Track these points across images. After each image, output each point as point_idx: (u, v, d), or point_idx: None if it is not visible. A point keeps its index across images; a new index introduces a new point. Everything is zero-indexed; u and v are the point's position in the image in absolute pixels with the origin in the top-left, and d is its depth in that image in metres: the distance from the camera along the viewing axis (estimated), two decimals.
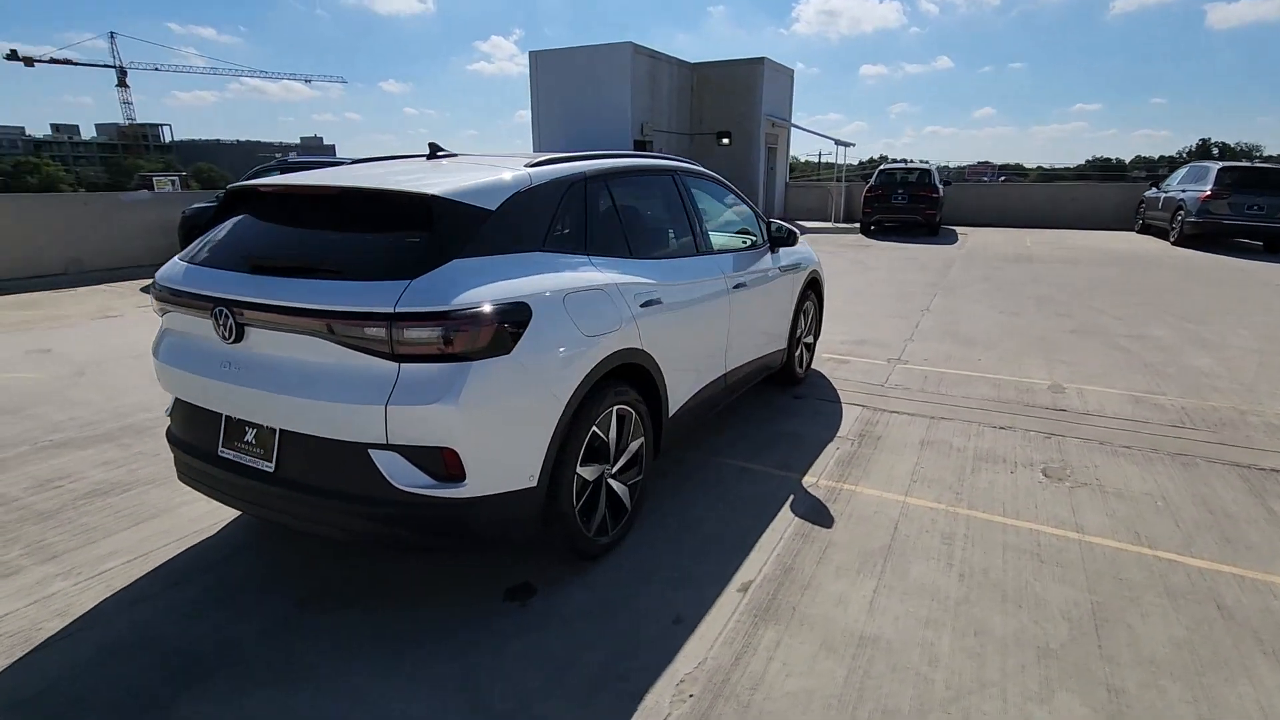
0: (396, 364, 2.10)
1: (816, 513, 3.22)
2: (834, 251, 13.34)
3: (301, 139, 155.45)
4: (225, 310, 2.25)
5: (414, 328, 2.06)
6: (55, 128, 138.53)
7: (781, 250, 4.45)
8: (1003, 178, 62.63)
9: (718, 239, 4.12)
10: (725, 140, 19.22)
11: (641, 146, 17.63)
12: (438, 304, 2.08)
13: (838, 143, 18.85)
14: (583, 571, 2.73)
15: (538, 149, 18.15)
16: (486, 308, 2.14)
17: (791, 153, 21.68)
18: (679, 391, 3.26)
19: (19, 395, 4.85)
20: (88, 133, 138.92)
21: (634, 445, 2.92)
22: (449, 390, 2.09)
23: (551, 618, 2.46)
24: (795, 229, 4.47)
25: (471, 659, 2.24)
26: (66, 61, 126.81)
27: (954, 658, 2.26)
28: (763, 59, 18.47)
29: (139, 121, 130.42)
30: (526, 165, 2.68)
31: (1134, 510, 3.24)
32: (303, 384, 2.17)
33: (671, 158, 3.72)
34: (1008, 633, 2.38)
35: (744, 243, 4.24)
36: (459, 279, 2.17)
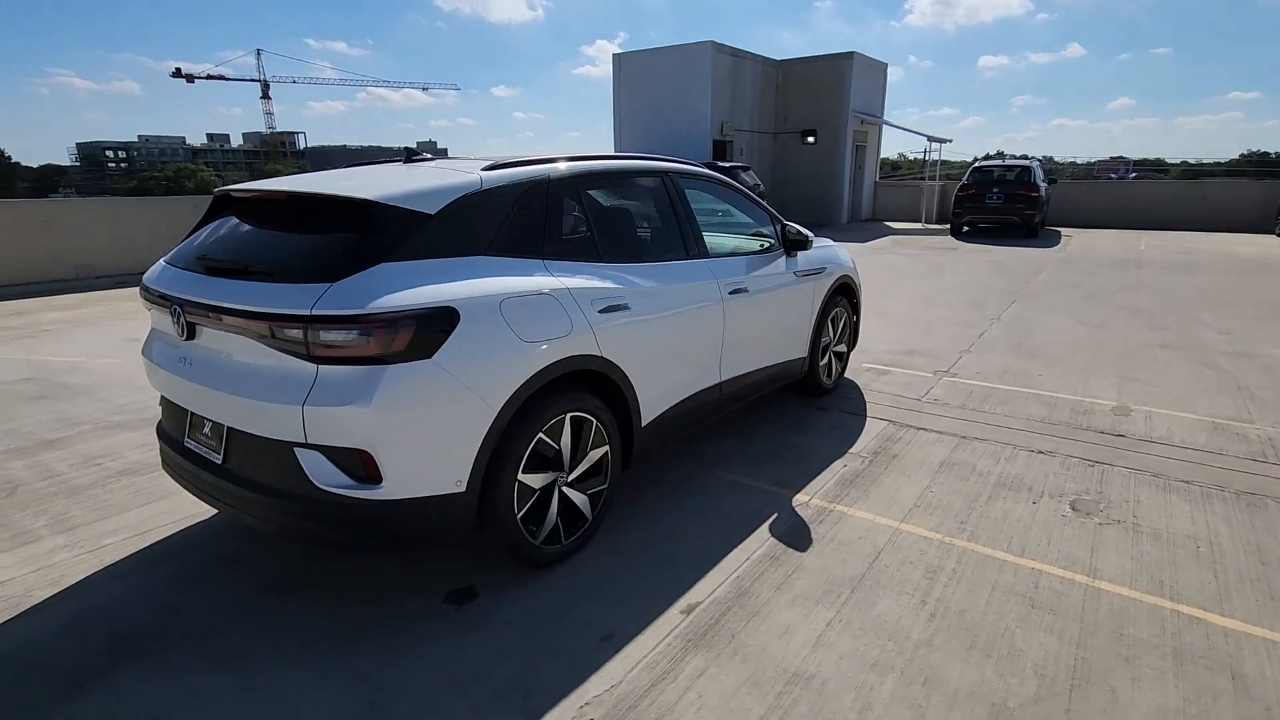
0: (315, 366, 2.14)
1: (795, 534, 3.03)
2: (913, 254, 12.65)
3: (418, 143, 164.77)
4: (179, 309, 2.38)
5: (329, 330, 2.09)
6: (210, 137, 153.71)
7: (800, 255, 4.24)
8: (1134, 174, 57.26)
9: (721, 242, 3.98)
10: (810, 139, 18.65)
11: (721, 147, 17.41)
12: (353, 307, 2.10)
13: (930, 139, 17.82)
14: (530, 579, 2.70)
15: (619, 141, 18.31)
16: (403, 311, 2.15)
17: (895, 150, 20.67)
18: (656, 400, 3.16)
19: (101, 379, 5.38)
20: (236, 141, 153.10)
21: (595, 454, 2.86)
22: (363, 393, 2.11)
23: (484, 623, 2.44)
24: (809, 232, 4.24)
25: (390, 658, 2.25)
26: (220, 77, 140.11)
27: (890, 708, 2.05)
28: (852, 54, 17.76)
29: (278, 130, 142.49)
30: (484, 168, 2.67)
31: (1167, 555, 2.84)
32: (238, 381, 2.26)
33: (666, 159, 3.61)
34: (963, 685, 2.14)
35: (760, 245, 4.08)
36: (382, 283, 2.19)
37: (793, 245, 4.06)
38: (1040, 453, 3.88)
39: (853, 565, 2.79)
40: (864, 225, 18.77)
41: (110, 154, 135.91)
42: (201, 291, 2.31)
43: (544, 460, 2.63)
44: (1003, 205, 14.20)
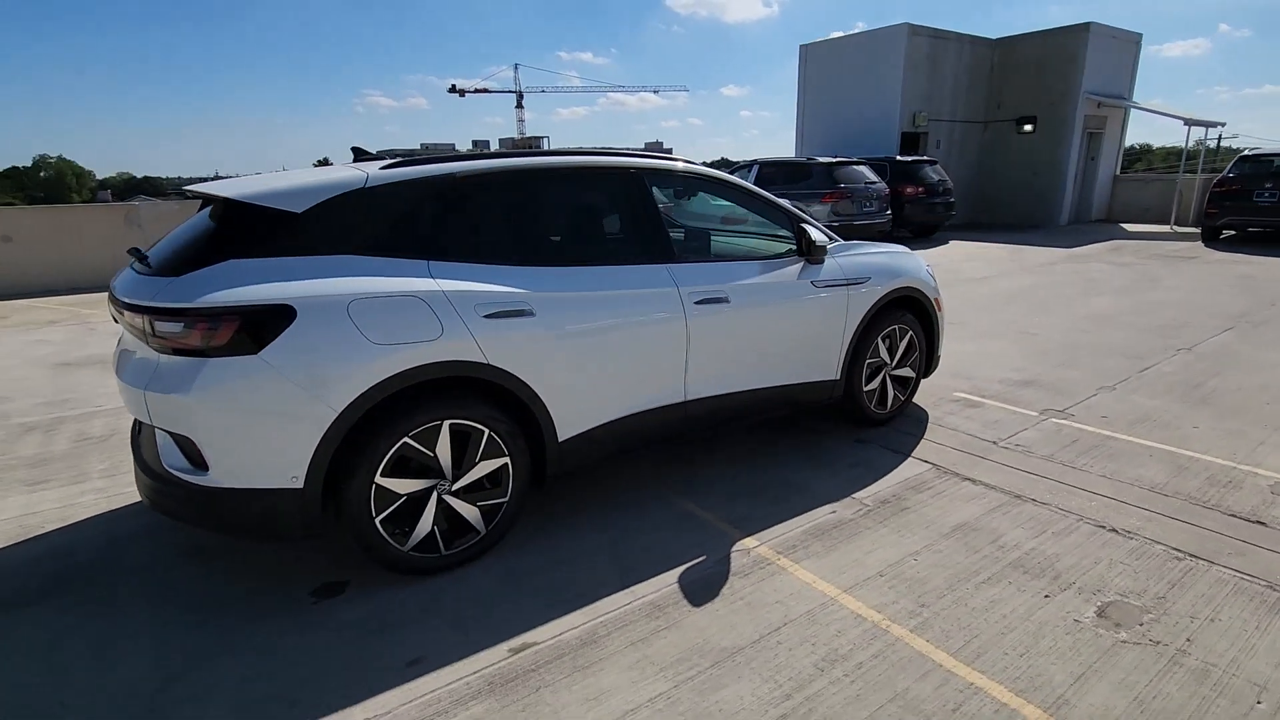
0: (158, 354, 2.28)
1: (703, 585, 2.62)
2: (1126, 264, 10.42)
3: (645, 144, 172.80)
4: (112, 305, 2.68)
5: (161, 321, 2.21)
6: (474, 143, 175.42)
7: (830, 262, 3.66)
8: None
9: (732, 246, 3.59)
10: (1027, 127, 16.16)
11: (911, 140, 15.79)
12: (181, 301, 2.20)
13: (1188, 123, 14.40)
14: (403, 584, 2.64)
15: (799, 147, 17.47)
16: (228, 307, 2.20)
17: (1165, 139, 17.16)
18: (583, 415, 2.92)
19: None
20: (493, 145, 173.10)
21: (489, 465, 2.72)
22: (185, 383, 2.21)
23: (323, 622, 2.43)
24: (824, 238, 3.63)
25: (225, 639, 2.34)
26: (485, 90, 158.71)
27: None
28: (1088, 25, 14.99)
29: (527, 135, 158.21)
30: (383, 167, 2.66)
31: (1199, 702, 1.99)
32: (128, 368, 2.48)
33: (637, 154, 3.30)
34: None
35: (780, 250, 3.60)
36: (221, 278, 2.26)
37: (809, 251, 3.50)
38: (1112, 530, 2.95)
39: (740, 634, 2.34)
40: (1089, 227, 15.85)
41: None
42: (119, 287, 2.57)
43: (410, 466, 2.56)
44: (1276, 205, 11.10)
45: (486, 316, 2.60)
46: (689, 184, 3.64)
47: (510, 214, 2.88)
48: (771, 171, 12.35)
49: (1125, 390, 4.73)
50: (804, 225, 3.55)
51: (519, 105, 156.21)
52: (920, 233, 14.03)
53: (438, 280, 2.55)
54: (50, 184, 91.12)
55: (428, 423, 2.54)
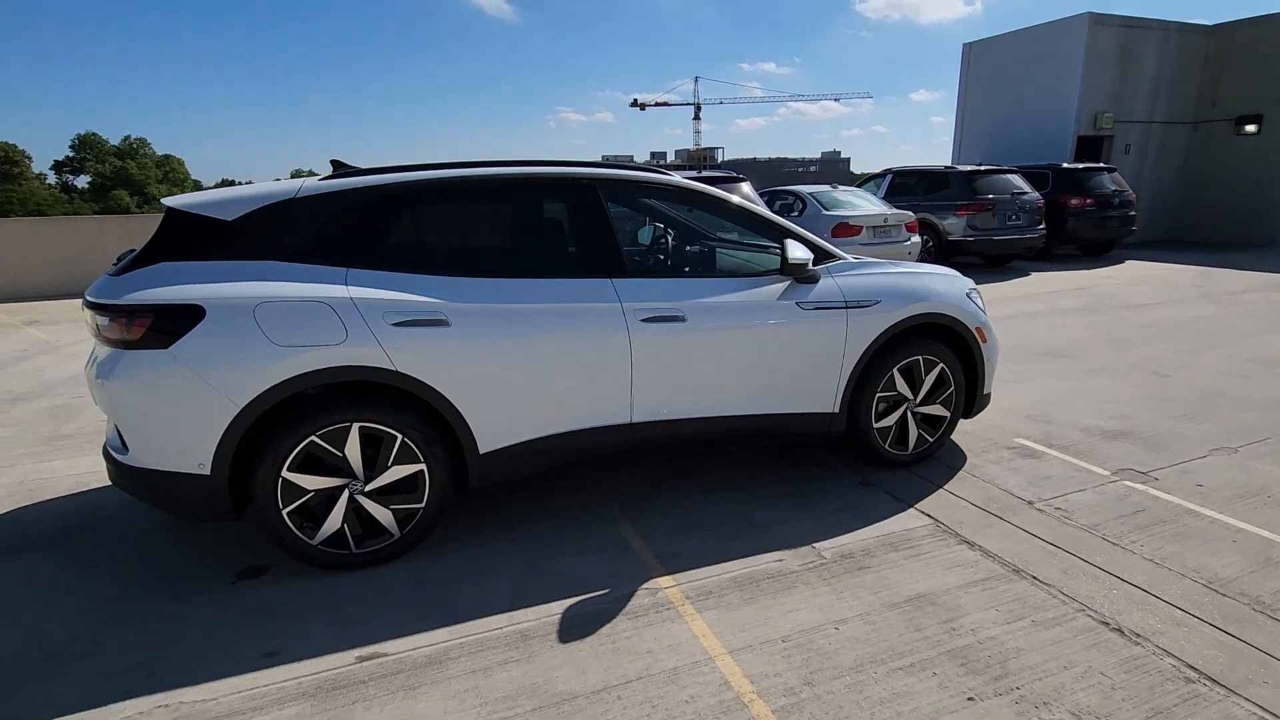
0: (101, 344, 2.57)
1: (585, 621, 2.46)
2: None
3: (822, 154, 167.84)
4: None
5: (95, 314, 2.49)
6: (651, 154, 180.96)
7: (827, 282, 3.30)
8: None
9: (687, 261, 3.36)
10: (1250, 128, 13.47)
11: (1092, 144, 13.78)
12: (108, 298, 2.46)
13: None
14: (315, 575, 2.75)
15: (956, 155, 15.97)
16: (143, 305, 2.43)
17: None
18: (510, 428, 2.87)
19: None
20: (670, 157, 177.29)
21: (403, 470, 2.76)
22: (108, 371, 2.46)
23: (227, 602, 2.59)
24: (829, 253, 3.27)
25: (130, 607, 2.58)
26: (664, 104, 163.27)
27: None
28: None
29: (702, 146, 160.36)
30: (322, 179, 2.79)
31: None
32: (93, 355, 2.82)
33: (589, 166, 3.15)
34: None
35: (761, 267, 3.32)
36: (149, 279, 2.50)
37: (786, 268, 3.16)
38: (1116, 630, 2.35)
39: (587, 680, 2.16)
40: None
41: None
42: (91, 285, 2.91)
43: (318, 464, 2.66)
44: None
45: (395, 324, 2.64)
46: (662, 196, 3.44)
47: (436, 225, 2.90)
48: (906, 182, 11.41)
49: (1249, 455, 3.76)
50: (788, 240, 3.22)
51: (696, 117, 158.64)
52: (1090, 250, 12.23)
53: (350, 288, 2.63)
54: None
55: (336, 424, 2.63)
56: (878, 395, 3.49)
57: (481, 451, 2.86)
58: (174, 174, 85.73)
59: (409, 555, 2.88)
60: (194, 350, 2.45)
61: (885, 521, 3.14)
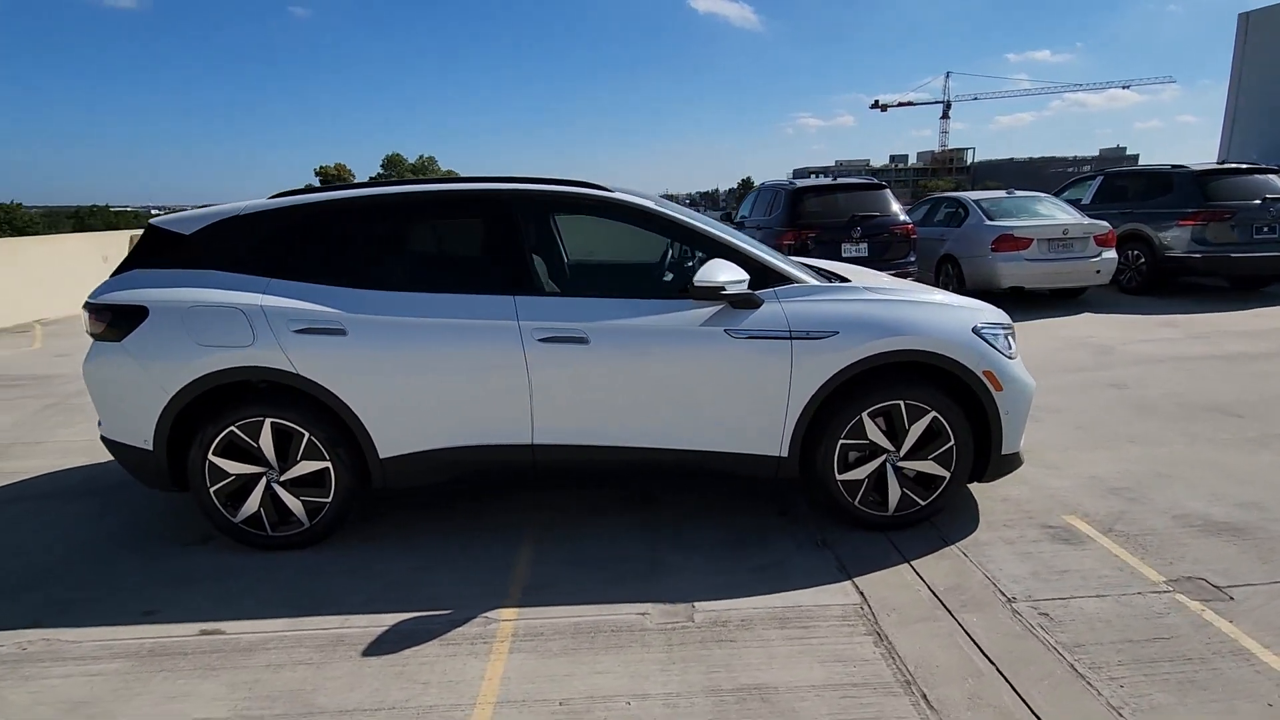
0: None
1: (402, 638, 2.44)
2: None
3: (1101, 151, 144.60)
4: None
5: (84, 309, 3.03)
6: (891, 158, 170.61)
7: (771, 308, 2.90)
8: None
9: (616, 280, 3.15)
10: None
11: None
12: (92, 298, 2.98)
13: None
14: (240, 551, 3.07)
15: (1225, 149, 12.77)
16: (104, 304, 2.90)
17: None
18: (406, 437, 2.96)
19: None
20: (912, 160, 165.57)
21: (310, 466, 2.98)
22: (86, 358, 2.99)
23: (161, 564, 3.01)
24: (783, 275, 2.85)
25: (97, 556, 3.10)
26: (908, 103, 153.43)
27: None
28: None
29: (949, 148, 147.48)
30: (272, 197, 3.10)
31: None
32: None
33: (524, 181, 3.07)
34: None
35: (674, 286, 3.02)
36: (120, 282, 2.98)
37: (695, 293, 2.81)
38: None
39: (349, 697, 2.15)
40: None
41: (814, 177, 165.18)
42: None
43: (238, 451, 2.97)
44: None
45: (297, 331, 2.86)
46: (578, 210, 3.24)
47: (347, 241, 3.06)
48: (1119, 185, 9.44)
49: None
50: (712, 260, 2.87)
51: (944, 115, 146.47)
52: None
53: (264, 295, 2.90)
54: None
55: (251, 418, 2.92)
56: (841, 442, 2.98)
57: (382, 456, 2.98)
58: None
59: (321, 545, 3.10)
60: (138, 344, 2.89)
61: (801, 591, 2.67)
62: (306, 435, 2.94)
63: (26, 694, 2.21)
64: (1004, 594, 2.61)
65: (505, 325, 2.88)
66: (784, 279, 3.01)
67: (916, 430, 2.99)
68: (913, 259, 7.90)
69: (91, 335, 2.99)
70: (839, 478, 3.02)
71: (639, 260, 3.71)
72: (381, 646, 2.41)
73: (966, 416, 2.99)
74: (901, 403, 2.95)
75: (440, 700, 2.14)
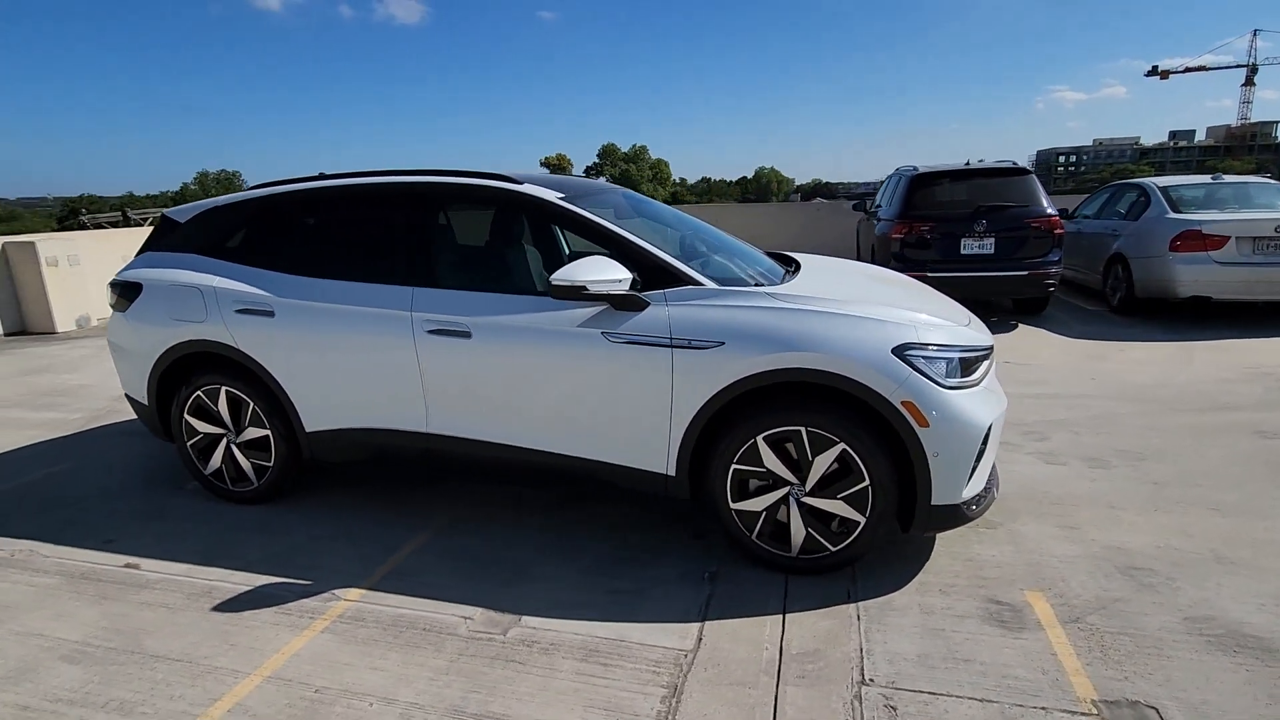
0: None
1: (242, 601, 2.64)
2: None
3: None
4: None
5: (108, 287, 3.61)
6: (1172, 134, 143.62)
7: (655, 310, 2.64)
8: None
9: (516, 275, 3.04)
10: None
11: None
12: (115, 276, 3.55)
13: None
14: (207, 499, 3.50)
15: None
16: (116, 280, 3.44)
17: None
18: (326, 414, 3.16)
19: None
20: (1200, 136, 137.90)
21: (255, 433, 3.31)
22: (108, 326, 3.57)
23: (158, 498, 3.54)
24: (675, 275, 2.61)
25: (103, 485, 3.72)
26: (1199, 68, 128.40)
27: None
28: None
29: (1249, 121, 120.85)
30: (252, 188, 3.44)
31: None
32: None
33: (456, 174, 3.06)
34: None
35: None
36: (134, 263, 3.51)
37: (552, 290, 2.60)
38: None
39: (169, 644, 2.39)
40: None
41: (1062, 159, 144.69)
42: None
43: (203, 413, 3.38)
44: None
45: (237, 310, 3.18)
46: (489, 205, 3.10)
47: (287, 230, 3.29)
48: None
49: None
50: (591, 257, 2.65)
51: (1248, 82, 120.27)
52: None
53: (217, 278, 3.26)
54: (760, 187, 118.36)
55: (211, 384, 3.32)
56: (734, 467, 2.64)
57: (307, 430, 3.22)
58: (661, 174, 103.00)
59: (274, 504, 3.43)
60: (135, 314, 3.41)
61: (640, 625, 2.43)
62: (251, 405, 3.27)
63: None
64: (863, 674, 2.15)
65: (400, 315, 2.94)
66: (677, 280, 2.71)
67: (823, 463, 2.54)
68: (1055, 258, 6.64)
69: (111, 307, 3.58)
70: (733, 506, 2.68)
71: (549, 256, 3.56)
72: (233, 604, 2.63)
73: (890, 454, 2.49)
74: (803, 429, 2.53)
75: (228, 664, 2.29)
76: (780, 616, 2.45)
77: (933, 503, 2.49)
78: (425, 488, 3.58)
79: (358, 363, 3.05)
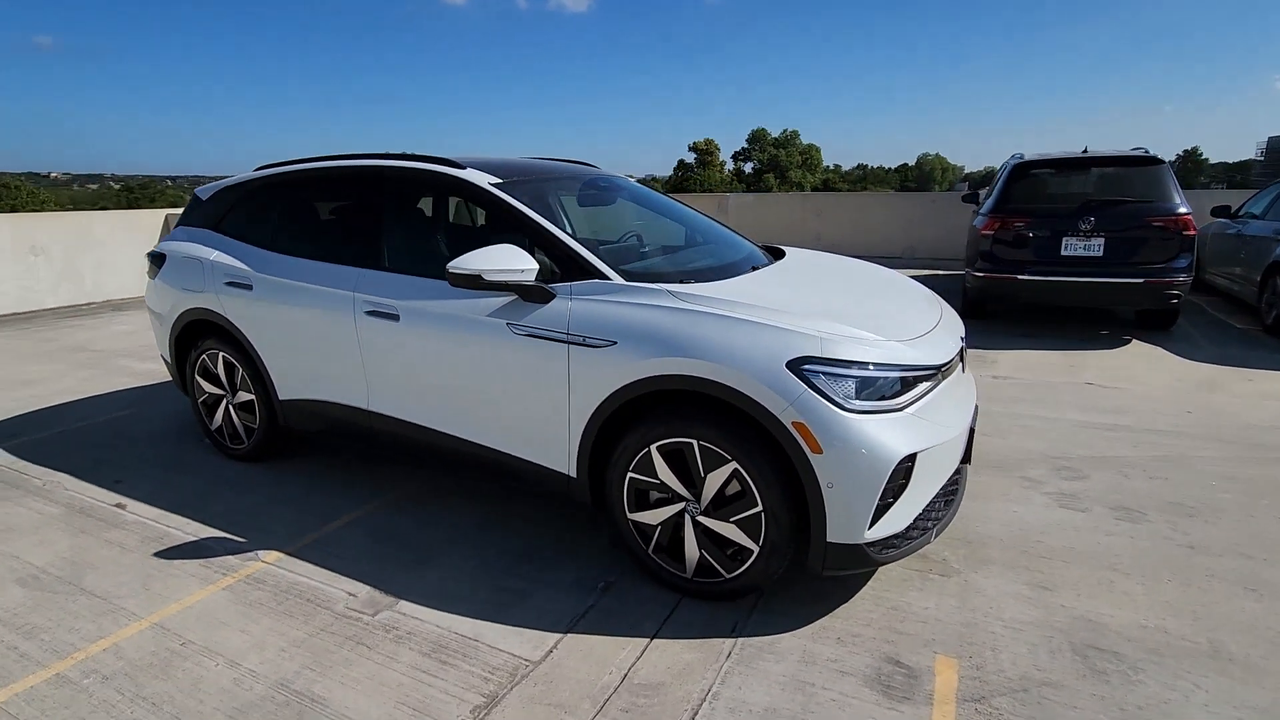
0: None
1: (181, 550, 2.86)
2: None
3: None
4: None
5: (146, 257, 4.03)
6: None
7: (557, 304, 2.52)
8: None
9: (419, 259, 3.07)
10: None
11: None
12: (152, 248, 3.96)
13: None
14: (213, 453, 3.86)
15: None
16: (150, 252, 3.83)
17: None
18: (294, 384, 3.35)
19: None
20: None
21: (245, 395, 3.58)
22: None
23: (177, 444, 3.95)
24: (583, 266, 2.50)
25: (158, 441, 4.18)
26: None
27: None
28: None
29: None
30: (256, 169, 3.69)
31: None
32: None
33: (412, 159, 3.06)
34: None
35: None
36: (170, 236, 3.90)
37: (450, 278, 2.53)
38: None
39: (101, 584, 2.65)
40: None
41: None
42: None
43: (209, 375, 3.70)
44: None
45: (226, 283, 3.43)
46: (430, 191, 3.07)
47: (272, 210, 3.48)
48: None
49: None
50: (494, 247, 2.54)
51: None
52: None
53: (215, 251, 3.54)
54: (923, 175, 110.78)
55: (211, 349, 3.63)
56: (629, 475, 2.47)
57: (280, 398, 3.43)
58: (812, 160, 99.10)
59: (268, 462, 3.70)
60: (161, 281, 3.79)
61: (503, 628, 2.35)
62: (240, 370, 3.54)
63: None
64: (693, 715, 1.94)
65: (346, 295, 3.03)
66: (585, 272, 2.56)
67: (716, 481, 2.31)
68: (1182, 265, 5.59)
69: (147, 275, 4.01)
70: (630, 516, 2.52)
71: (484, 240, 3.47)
72: (174, 552, 2.87)
73: (784, 479, 2.21)
74: (695, 442, 2.31)
75: (133, 606, 2.50)
76: (647, 641, 2.27)
77: (828, 539, 2.18)
78: (390, 465, 3.69)
79: (314, 338, 3.20)
